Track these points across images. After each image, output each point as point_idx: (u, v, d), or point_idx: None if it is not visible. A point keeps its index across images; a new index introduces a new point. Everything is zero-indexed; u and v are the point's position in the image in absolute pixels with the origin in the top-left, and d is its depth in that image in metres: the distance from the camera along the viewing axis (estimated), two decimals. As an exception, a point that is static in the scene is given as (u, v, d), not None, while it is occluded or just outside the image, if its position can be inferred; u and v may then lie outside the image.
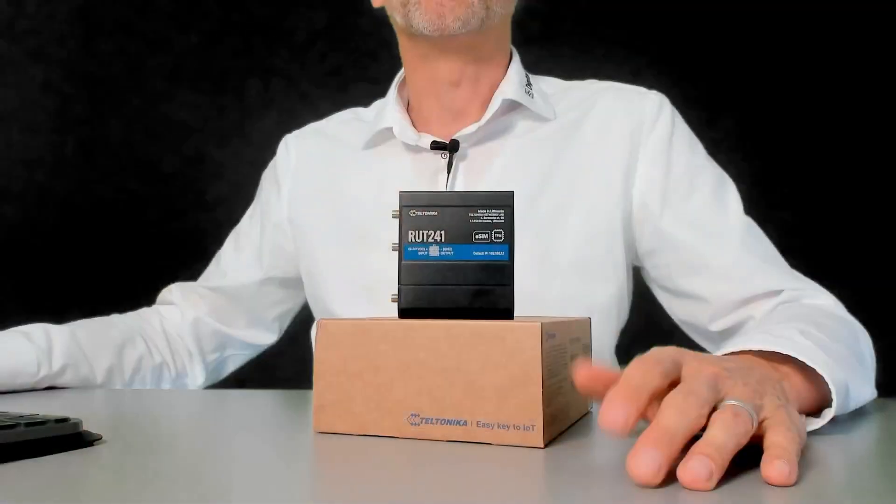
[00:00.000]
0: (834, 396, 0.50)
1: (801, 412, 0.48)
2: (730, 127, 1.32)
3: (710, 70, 1.41)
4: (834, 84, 1.42)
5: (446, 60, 0.80)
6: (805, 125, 1.42)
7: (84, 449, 0.45)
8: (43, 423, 0.44)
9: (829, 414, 0.50)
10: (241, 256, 0.94)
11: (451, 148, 0.80)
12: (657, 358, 0.41)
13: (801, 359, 0.51)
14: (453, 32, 0.74)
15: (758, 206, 0.83)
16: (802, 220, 0.94)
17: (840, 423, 0.56)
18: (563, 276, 0.79)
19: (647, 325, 0.87)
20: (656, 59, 1.01)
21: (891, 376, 0.76)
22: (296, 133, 0.95)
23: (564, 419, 0.50)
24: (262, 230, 0.93)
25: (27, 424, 0.43)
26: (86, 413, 0.52)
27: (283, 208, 0.91)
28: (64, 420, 0.45)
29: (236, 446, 0.48)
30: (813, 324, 0.63)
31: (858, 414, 0.59)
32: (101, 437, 0.47)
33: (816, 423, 0.50)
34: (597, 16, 1.46)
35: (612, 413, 0.37)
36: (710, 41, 1.44)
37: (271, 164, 0.96)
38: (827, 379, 0.50)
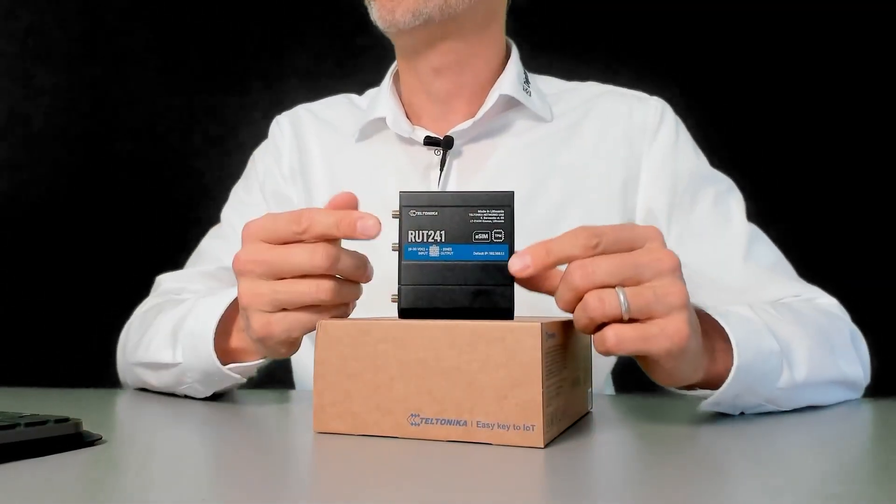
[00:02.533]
0: (735, 349, 0.53)
1: (711, 376, 0.54)
2: (718, 132, 1.31)
3: (698, 75, 1.41)
4: (822, 87, 1.42)
5: (420, 53, 0.78)
6: (792, 129, 1.43)
7: (84, 449, 0.45)
8: (43, 422, 0.44)
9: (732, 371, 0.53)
10: None
11: (444, 144, 0.78)
12: (598, 233, 0.46)
13: (709, 313, 0.55)
14: (405, 26, 0.72)
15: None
16: (788, 225, 0.95)
17: (836, 422, 0.56)
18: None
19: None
20: (642, 66, 1.01)
21: (887, 378, 0.77)
22: (287, 114, 0.91)
23: (564, 419, 0.50)
24: (270, 205, 0.87)
25: (27, 424, 0.43)
26: (86, 413, 0.52)
27: (289, 185, 0.87)
28: (64, 420, 0.45)
29: (236, 446, 0.48)
30: (785, 308, 0.64)
31: (855, 413, 0.60)
32: (101, 437, 0.47)
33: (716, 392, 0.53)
34: (590, 24, 1.47)
35: (514, 261, 0.48)
36: (698, 47, 1.44)
37: (265, 144, 0.91)
38: (728, 331, 0.53)
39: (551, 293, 0.50)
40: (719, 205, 0.79)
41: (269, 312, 0.52)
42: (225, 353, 0.63)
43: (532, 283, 0.50)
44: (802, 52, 1.43)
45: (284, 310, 0.52)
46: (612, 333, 0.45)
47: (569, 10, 1.45)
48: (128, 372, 0.76)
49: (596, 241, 0.46)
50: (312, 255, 0.50)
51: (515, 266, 0.48)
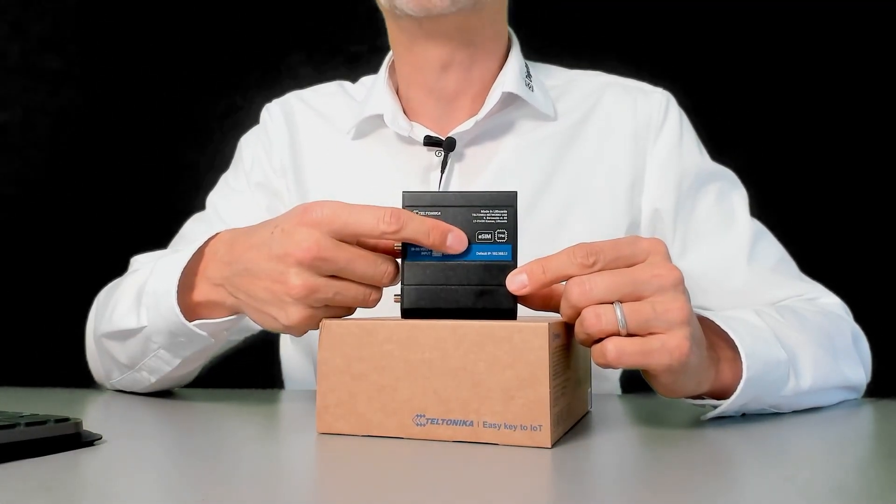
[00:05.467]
0: (744, 361, 0.53)
1: (717, 387, 0.53)
2: (720, 131, 1.31)
3: (699, 73, 1.41)
4: (823, 86, 1.42)
5: (434, 45, 0.74)
6: (794, 128, 1.43)
7: (84, 449, 0.45)
8: (43, 422, 0.43)
9: (742, 382, 0.53)
10: (239, 216, 0.81)
11: (446, 146, 0.75)
12: (596, 250, 0.46)
13: (717, 322, 0.55)
14: (442, 12, 0.68)
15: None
16: (790, 224, 0.95)
17: (838, 423, 0.56)
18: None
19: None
20: (642, 64, 1.01)
21: (887, 378, 0.77)
22: (278, 102, 0.87)
23: (568, 419, 0.50)
24: (255, 195, 0.83)
25: (27, 424, 0.43)
26: (86, 413, 0.52)
27: (279, 178, 0.83)
28: (64, 420, 0.45)
29: (238, 447, 0.48)
30: (790, 311, 0.64)
31: (856, 414, 0.60)
32: (101, 437, 0.47)
33: (726, 402, 0.53)
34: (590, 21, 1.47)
35: (513, 278, 0.48)
36: (699, 44, 1.44)
37: (255, 131, 0.87)
38: (737, 343, 0.53)
39: (556, 311, 0.50)
40: (722, 202, 0.78)
41: (315, 308, 0.51)
42: (189, 309, 0.61)
43: (533, 302, 0.50)
44: (804, 50, 1.43)
45: (326, 306, 0.52)
46: (612, 346, 0.45)
47: (567, 8, 1.45)
48: (97, 352, 0.73)
49: (593, 259, 0.46)
50: (378, 271, 0.51)
51: (513, 285, 0.48)
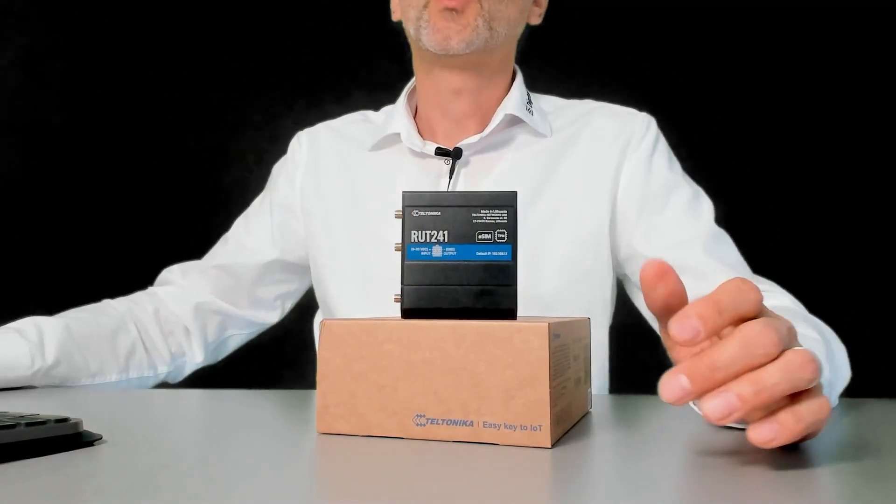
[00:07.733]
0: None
1: None
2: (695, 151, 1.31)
3: (677, 98, 1.42)
4: (798, 99, 1.42)
5: (449, 74, 0.85)
6: (768, 140, 1.43)
7: (84, 449, 0.45)
8: (43, 423, 0.43)
9: None
10: (252, 237, 0.96)
11: (454, 155, 0.86)
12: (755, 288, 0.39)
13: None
14: (458, 52, 0.80)
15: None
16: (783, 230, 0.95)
17: (833, 422, 0.56)
18: (551, 276, 0.84)
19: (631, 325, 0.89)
20: (623, 88, 1.05)
21: (884, 379, 0.77)
22: (308, 130, 0.99)
23: (568, 419, 0.50)
24: (272, 214, 0.96)
25: (27, 424, 0.42)
26: (86, 413, 0.52)
27: (297, 196, 0.95)
28: (64, 420, 0.45)
29: (238, 447, 0.48)
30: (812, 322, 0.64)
31: (853, 413, 0.60)
32: (101, 437, 0.47)
33: None
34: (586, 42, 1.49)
35: (683, 323, 0.36)
36: (677, 69, 1.45)
37: (283, 159, 1.00)
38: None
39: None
40: (690, 208, 0.85)
41: None
42: None
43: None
44: (774, 60, 1.44)
45: None
46: (791, 416, 0.37)
47: (557, 36, 1.46)
48: None
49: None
50: None
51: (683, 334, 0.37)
